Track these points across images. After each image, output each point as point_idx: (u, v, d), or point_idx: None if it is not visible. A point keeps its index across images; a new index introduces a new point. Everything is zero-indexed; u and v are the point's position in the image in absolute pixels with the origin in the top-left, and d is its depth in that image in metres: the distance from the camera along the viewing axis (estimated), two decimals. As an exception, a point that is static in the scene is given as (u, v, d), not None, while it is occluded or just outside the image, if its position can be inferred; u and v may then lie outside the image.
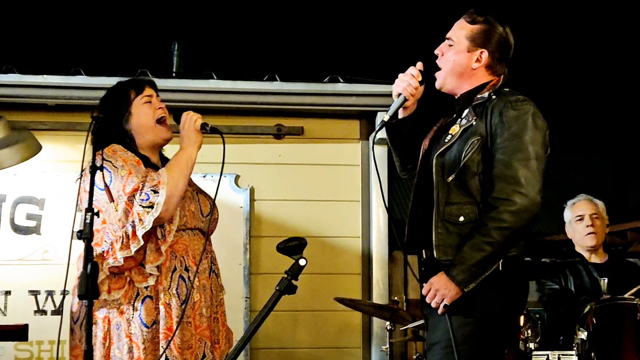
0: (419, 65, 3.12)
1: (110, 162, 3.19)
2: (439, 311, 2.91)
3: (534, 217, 2.88)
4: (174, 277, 3.22)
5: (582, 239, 4.69)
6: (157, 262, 3.18)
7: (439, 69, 3.17)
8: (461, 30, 3.11)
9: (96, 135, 3.06)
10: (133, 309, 3.16)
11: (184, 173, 3.25)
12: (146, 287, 3.18)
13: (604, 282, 4.26)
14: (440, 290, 2.89)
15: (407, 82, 3.08)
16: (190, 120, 3.34)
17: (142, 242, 3.11)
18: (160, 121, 3.42)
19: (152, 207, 3.12)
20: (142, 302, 3.17)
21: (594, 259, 4.68)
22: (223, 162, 3.27)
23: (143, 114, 3.39)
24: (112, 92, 3.48)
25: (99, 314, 3.18)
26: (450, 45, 3.12)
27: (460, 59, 3.09)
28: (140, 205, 3.12)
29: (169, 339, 3.14)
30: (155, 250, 3.19)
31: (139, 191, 3.13)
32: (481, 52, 3.08)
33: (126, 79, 3.58)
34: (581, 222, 4.69)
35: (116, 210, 3.14)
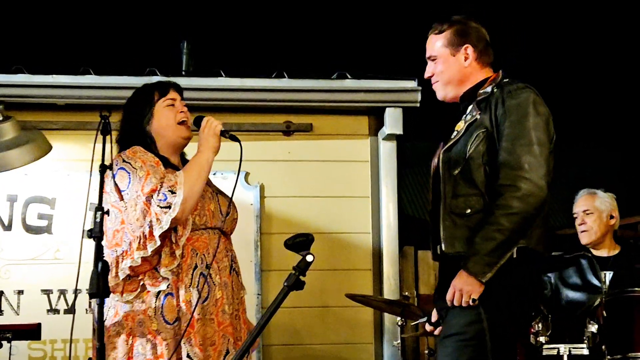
0: None
1: (130, 163, 3.23)
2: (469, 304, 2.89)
3: (541, 202, 2.89)
4: (195, 274, 3.24)
5: (579, 237, 4.69)
6: (171, 266, 3.19)
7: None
8: (436, 44, 3.17)
9: (116, 135, 3.12)
10: (155, 306, 3.18)
11: (201, 176, 3.26)
12: (158, 293, 3.19)
13: (605, 275, 4.26)
14: (463, 289, 2.89)
15: None
16: (211, 125, 3.37)
17: (158, 242, 3.13)
18: (181, 124, 3.45)
19: (169, 207, 3.14)
20: (163, 299, 3.19)
21: (600, 252, 4.65)
22: (239, 169, 3.32)
23: (164, 117, 3.41)
24: (137, 93, 3.51)
25: (121, 312, 3.21)
26: (435, 61, 3.17)
27: (450, 66, 3.14)
28: (158, 206, 3.14)
29: (190, 335, 3.16)
30: (169, 254, 3.21)
31: (156, 192, 3.16)
32: (465, 48, 3.12)
33: (138, 78, 3.59)
34: (576, 220, 4.69)
35: (134, 211, 3.17)
